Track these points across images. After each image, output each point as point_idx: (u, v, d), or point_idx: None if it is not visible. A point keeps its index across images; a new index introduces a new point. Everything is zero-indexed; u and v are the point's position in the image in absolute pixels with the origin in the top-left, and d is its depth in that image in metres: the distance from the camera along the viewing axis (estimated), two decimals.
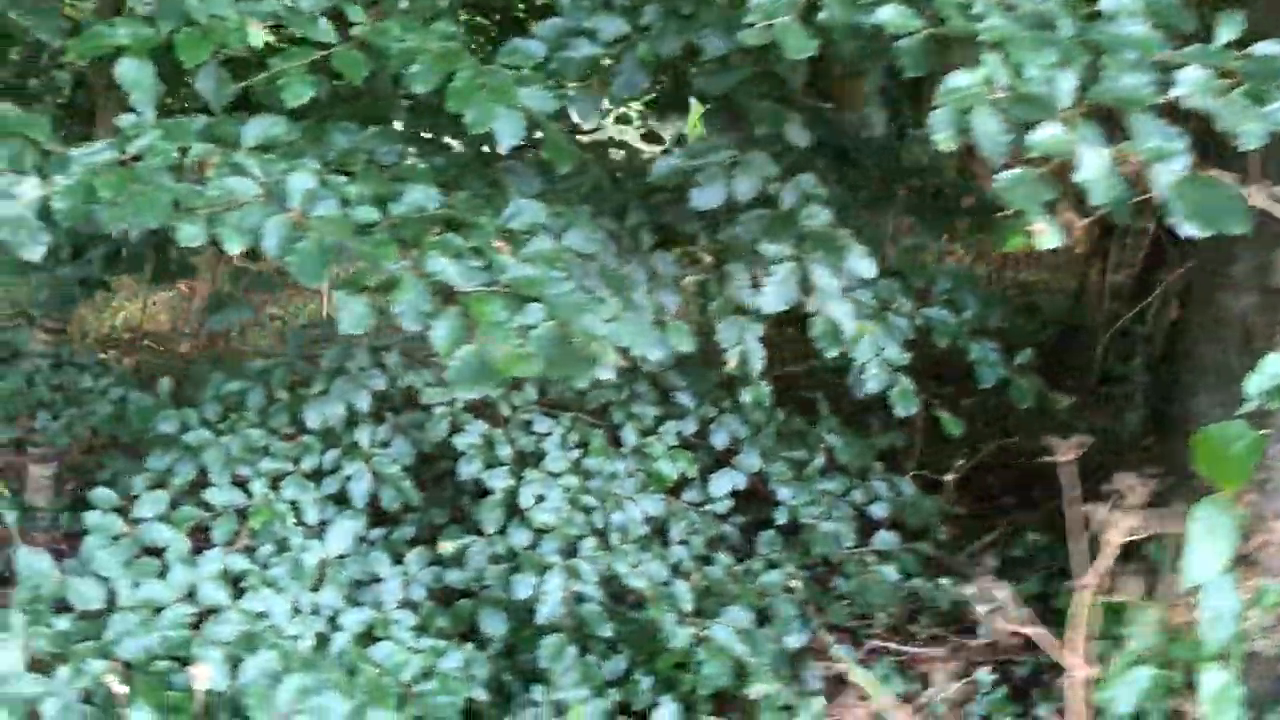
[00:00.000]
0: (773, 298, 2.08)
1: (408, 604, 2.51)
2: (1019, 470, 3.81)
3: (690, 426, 2.91)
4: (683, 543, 2.71)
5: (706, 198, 2.08)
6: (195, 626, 2.13)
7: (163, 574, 2.25)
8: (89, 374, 3.60)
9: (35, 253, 1.59)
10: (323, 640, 2.33)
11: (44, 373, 3.56)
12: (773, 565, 2.74)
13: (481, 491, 2.73)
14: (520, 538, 2.57)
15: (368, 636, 2.38)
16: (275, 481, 2.72)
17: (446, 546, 2.56)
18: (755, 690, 2.15)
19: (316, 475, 2.78)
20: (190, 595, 2.23)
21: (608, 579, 2.49)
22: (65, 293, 3.53)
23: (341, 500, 2.77)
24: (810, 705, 2.50)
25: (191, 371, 2.99)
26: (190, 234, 1.70)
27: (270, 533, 2.60)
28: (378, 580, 2.56)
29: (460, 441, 2.76)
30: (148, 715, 1.82)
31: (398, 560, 2.61)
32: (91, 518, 2.34)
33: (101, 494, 2.43)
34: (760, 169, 2.08)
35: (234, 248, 1.75)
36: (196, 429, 2.67)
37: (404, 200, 2.01)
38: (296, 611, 2.34)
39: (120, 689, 1.88)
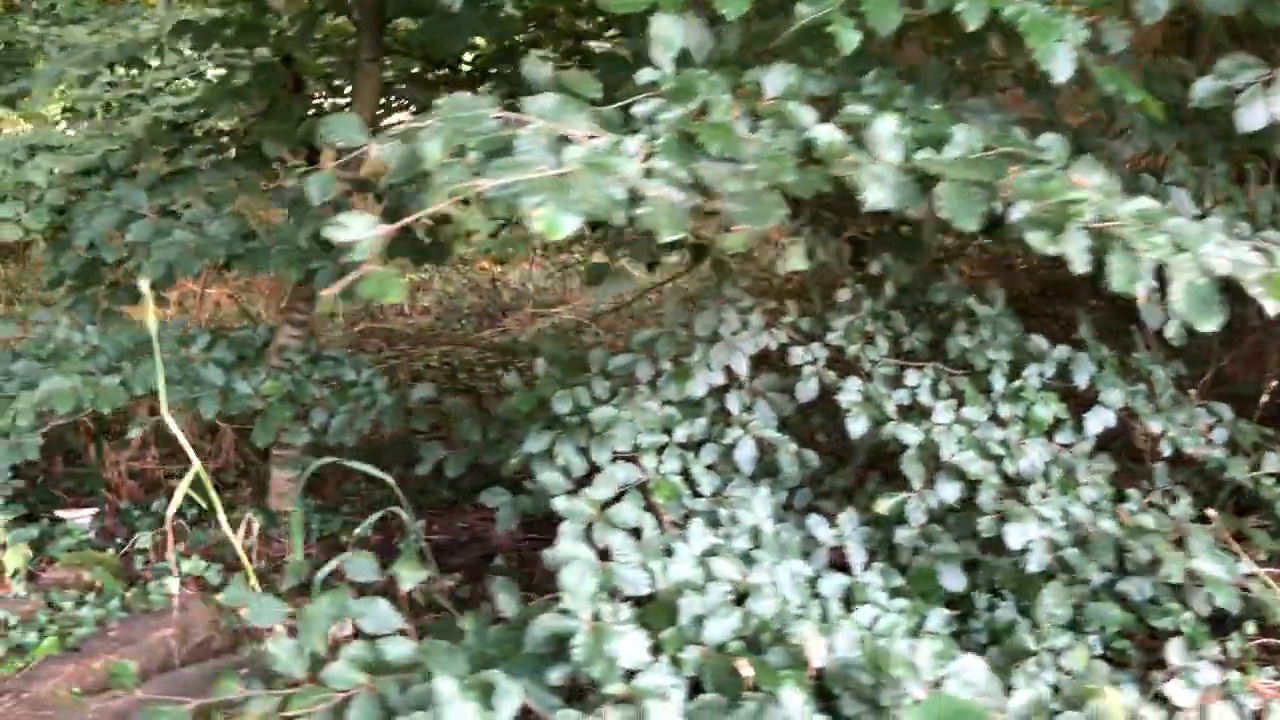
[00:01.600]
0: None
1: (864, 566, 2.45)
2: None
3: (1049, 369, 2.87)
4: (1087, 484, 2.68)
5: (1252, 118, 2.04)
6: (738, 603, 2.04)
7: (668, 553, 2.15)
8: (347, 367, 3.44)
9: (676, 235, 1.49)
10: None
11: (302, 369, 3.38)
12: (1172, 497, 2.73)
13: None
14: (949, 491, 2.52)
15: (844, 601, 2.32)
16: (658, 454, 2.63)
17: (882, 505, 2.49)
18: None
19: (688, 445, 2.70)
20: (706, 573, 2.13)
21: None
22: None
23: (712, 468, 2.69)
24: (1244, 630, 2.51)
25: (539, 346, 2.86)
26: (879, 198, 1.61)
27: (678, 506, 2.52)
28: (816, 544, 2.49)
29: (843, 399, 2.69)
30: (798, 694, 1.73)
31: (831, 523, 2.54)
32: (560, 503, 2.22)
33: (552, 478, 2.31)
34: None
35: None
36: (594, 407, 2.56)
37: (955, 141, 1.93)
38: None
39: (748, 672, 1.79)
